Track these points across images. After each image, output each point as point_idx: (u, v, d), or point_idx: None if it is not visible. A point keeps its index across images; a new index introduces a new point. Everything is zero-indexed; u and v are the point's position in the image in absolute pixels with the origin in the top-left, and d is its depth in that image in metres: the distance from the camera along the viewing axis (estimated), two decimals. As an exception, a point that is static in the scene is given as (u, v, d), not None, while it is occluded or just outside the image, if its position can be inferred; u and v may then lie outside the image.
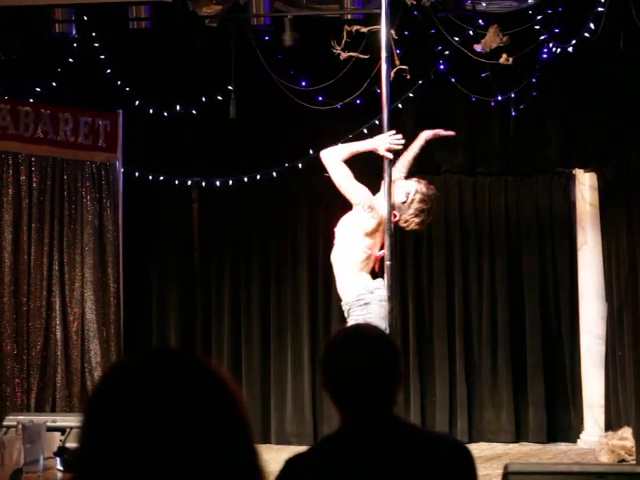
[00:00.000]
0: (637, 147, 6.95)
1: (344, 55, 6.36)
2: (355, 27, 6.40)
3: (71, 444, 4.08)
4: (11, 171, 7.22)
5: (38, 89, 7.49)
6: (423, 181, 5.38)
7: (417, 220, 5.30)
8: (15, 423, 4.18)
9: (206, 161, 8.13)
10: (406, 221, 5.32)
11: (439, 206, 5.56)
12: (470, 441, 7.80)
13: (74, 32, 7.27)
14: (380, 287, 5.25)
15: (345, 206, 5.61)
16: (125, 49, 7.50)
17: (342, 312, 8.23)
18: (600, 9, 6.57)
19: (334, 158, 5.34)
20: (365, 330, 2.30)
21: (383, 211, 5.13)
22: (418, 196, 5.25)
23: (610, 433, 7.26)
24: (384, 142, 5.18)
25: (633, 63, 6.87)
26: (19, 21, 7.09)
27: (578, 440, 7.88)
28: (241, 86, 7.29)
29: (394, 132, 5.34)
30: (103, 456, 1.02)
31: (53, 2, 6.96)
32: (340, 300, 5.69)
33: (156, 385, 1.04)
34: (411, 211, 5.24)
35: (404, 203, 5.24)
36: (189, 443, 1.02)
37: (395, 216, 5.17)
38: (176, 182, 8.24)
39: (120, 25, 7.16)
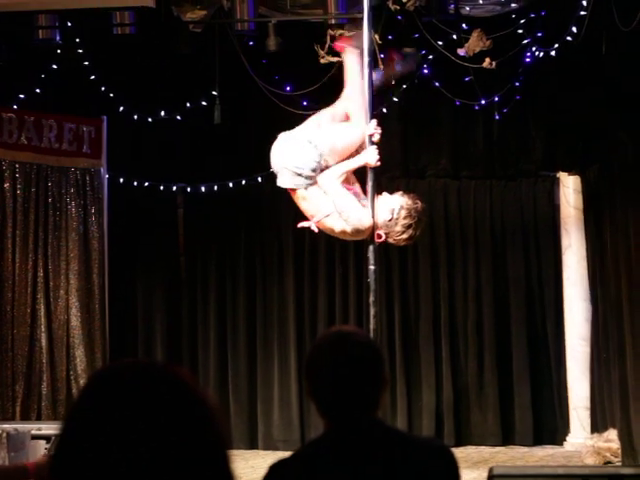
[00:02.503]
0: (620, 150, 6.98)
1: (325, 59, 6.34)
2: (339, 32, 6.39)
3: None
4: (-5, 178, 7.20)
5: (22, 95, 7.46)
6: (407, 195, 5.23)
7: (405, 236, 5.14)
8: (0, 431, 4.15)
9: (191, 166, 8.12)
10: (395, 239, 5.18)
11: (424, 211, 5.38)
12: (457, 445, 7.80)
13: (58, 38, 7.25)
14: None
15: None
16: (109, 55, 7.48)
17: (329, 316, 8.30)
18: (582, 13, 6.60)
19: (332, 181, 5.20)
20: (349, 335, 2.29)
21: (369, 221, 4.99)
22: (403, 212, 5.07)
23: (596, 435, 7.28)
24: (373, 155, 5.10)
25: (615, 67, 6.90)
26: (2, 27, 7.06)
27: (564, 443, 7.90)
28: (225, 91, 7.29)
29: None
30: (82, 464, 1.06)
31: (36, 8, 6.94)
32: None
33: (133, 397, 1.10)
34: (398, 228, 5.07)
35: (390, 221, 5.10)
36: (162, 452, 1.07)
37: (380, 236, 5.02)
38: (161, 188, 8.23)
39: (104, 31, 7.14)
